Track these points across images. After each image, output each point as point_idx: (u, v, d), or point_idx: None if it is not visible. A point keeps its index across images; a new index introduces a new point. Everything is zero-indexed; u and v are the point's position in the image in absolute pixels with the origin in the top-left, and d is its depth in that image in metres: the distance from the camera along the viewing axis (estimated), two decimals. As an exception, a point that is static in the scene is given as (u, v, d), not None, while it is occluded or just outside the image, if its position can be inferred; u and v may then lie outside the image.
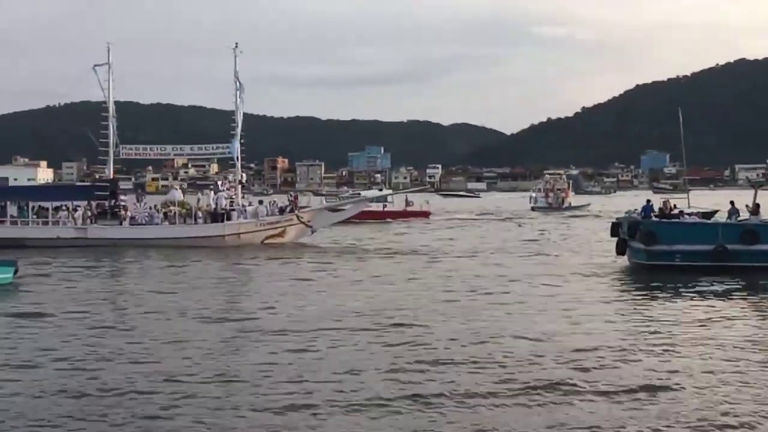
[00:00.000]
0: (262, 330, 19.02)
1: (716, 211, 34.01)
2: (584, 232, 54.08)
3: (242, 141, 49.82)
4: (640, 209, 33.88)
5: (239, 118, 49.78)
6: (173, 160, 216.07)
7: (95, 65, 49.19)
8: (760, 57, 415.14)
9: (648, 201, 34.50)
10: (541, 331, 18.39)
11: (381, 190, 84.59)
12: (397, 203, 73.16)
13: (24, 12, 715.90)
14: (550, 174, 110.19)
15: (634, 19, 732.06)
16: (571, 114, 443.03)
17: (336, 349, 16.78)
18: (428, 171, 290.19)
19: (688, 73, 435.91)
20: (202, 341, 17.71)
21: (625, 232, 31.82)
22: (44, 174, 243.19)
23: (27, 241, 43.72)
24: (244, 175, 53.76)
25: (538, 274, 30.14)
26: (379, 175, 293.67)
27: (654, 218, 32.31)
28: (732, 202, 33.07)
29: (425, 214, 73.39)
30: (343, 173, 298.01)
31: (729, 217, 32.95)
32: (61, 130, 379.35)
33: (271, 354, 16.41)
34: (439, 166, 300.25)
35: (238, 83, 49.56)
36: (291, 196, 53.37)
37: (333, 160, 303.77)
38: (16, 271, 27.94)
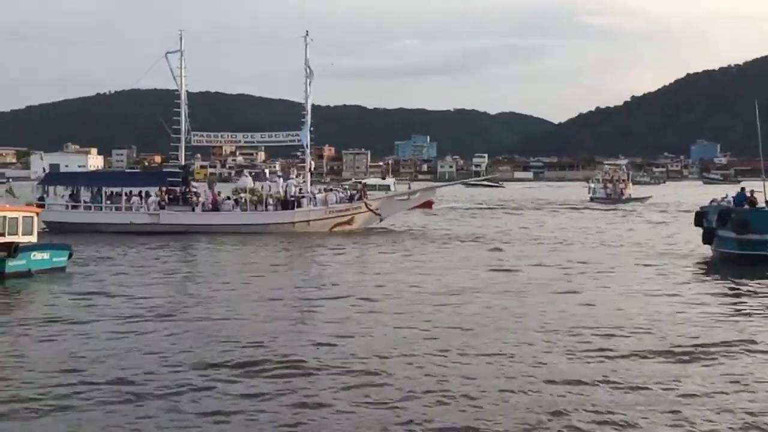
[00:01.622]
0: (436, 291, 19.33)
1: None
2: (659, 226, 51.93)
3: (312, 129, 50.24)
4: (731, 198, 32.50)
5: (309, 106, 50.10)
6: (221, 147, 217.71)
7: (167, 52, 49.56)
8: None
9: (742, 188, 32.80)
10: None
11: (384, 179, 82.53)
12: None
13: (73, 5, 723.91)
14: (609, 164, 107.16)
15: (681, 8, 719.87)
16: (620, 103, 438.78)
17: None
18: (474, 160, 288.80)
19: (741, 62, 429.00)
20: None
21: (714, 221, 30.48)
22: (94, 161, 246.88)
23: (100, 227, 44.74)
24: (312, 163, 54.12)
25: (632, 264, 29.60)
26: (425, 165, 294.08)
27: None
28: None
29: (428, 205, 72.03)
30: (389, 162, 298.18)
31: None
32: (112, 118, 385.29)
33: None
34: (486, 155, 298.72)
35: (308, 71, 49.70)
36: (360, 184, 53.16)
37: (379, 149, 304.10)
38: (70, 255, 28.54)
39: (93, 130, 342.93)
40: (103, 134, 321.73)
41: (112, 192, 47.79)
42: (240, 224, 45.09)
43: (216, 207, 46.79)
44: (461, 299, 21.52)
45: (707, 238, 31.14)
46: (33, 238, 27.64)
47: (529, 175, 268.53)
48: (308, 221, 45.92)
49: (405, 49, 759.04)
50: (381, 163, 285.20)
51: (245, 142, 58.75)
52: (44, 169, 55.07)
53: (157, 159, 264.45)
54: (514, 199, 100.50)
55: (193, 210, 46.41)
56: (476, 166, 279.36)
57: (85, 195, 47.84)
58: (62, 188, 48.77)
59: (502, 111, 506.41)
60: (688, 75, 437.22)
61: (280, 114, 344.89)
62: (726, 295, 22.74)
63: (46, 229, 45.30)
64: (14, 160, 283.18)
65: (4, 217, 26.66)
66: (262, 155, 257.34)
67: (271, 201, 46.48)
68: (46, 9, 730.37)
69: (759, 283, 24.17)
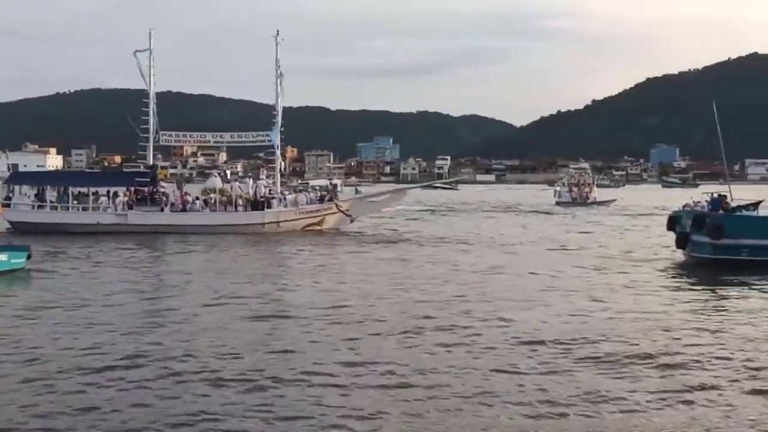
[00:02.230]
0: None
1: (760, 202, 32.74)
2: (629, 230, 51.63)
3: (282, 129, 49.96)
4: (705, 203, 32.33)
5: (280, 107, 49.80)
6: (182, 147, 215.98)
7: (136, 51, 49.00)
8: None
9: (713, 194, 32.31)
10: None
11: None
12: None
13: (37, 4, 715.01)
14: (574, 168, 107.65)
15: (644, 13, 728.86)
16: (581, 107, 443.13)
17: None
18: (437, 162, 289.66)
19: (700, 67, 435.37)
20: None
21: (689, 225, 30.29)
22: (53, 161, 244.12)
23: (67, 227, 44.05)
24: (283, 164, 53.86)
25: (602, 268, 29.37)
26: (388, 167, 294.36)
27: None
28: None
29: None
30: (352, 163, 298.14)
31: None
32: (71, 117, 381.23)
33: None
34: (448, 157, 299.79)
35: (278, 71, 49.37)
36: (331, 185, 52.93)
37: (342, 151, 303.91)
38: (29, 256, 28.14)
39: (53, 129, 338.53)
40: (62, 134, 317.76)
41: (78, 192, 47.05)
42: (209, 225, 44.68)
43: (185, 207, 46.38)
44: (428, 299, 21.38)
45: (681, 243, 31.21)
46: (-11, 240, 27.20)
47: (492, 177, 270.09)
48: (278, 222, 45.64)
49: (369, 50, 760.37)
50: (343, 165, 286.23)
51: (215, 142, 58.02)
52: (9, 168, 54.44)
53: (117, 159, 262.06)
54: (483, 201, 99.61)
55: (162, 210, 45.91)
56: (439, 168, 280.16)
57: (51, 195, 47.12)
58: (28, 188, 47.96)
59: (465, 113, 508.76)
60: (648, 79, 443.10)
61: (242, 114, 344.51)
62: (700, 299, 22.76)
63: (11, 230, 44.97)
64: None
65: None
66: (223, 156, 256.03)
67: (240, 202, 46.17)
68: (12, 6, 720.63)
69: (733, 288, 24.52)
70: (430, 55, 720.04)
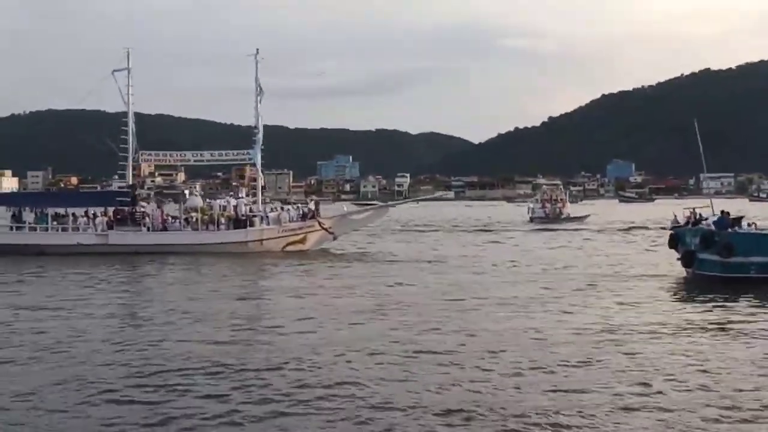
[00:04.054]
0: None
1: (741, 218, 33.44)
2: (616, 245, 51.50)
3: (263, 147, 49.70)
4: (711, 221, 32.12)
5: (260, 125, 49.53)
6: (140, 167, 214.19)
7: (114, 70, 48.70)
8: (725, 67, 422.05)
9: (722, 211, 32.18)
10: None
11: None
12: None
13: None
14: (547, 185, 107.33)
15: (596, 31, 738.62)
16: (538, 123, 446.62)
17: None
18: (397, 180, 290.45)
19: (654, 83, 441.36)
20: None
21: (695, 244, 30.74)
22: (9, 183, 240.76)
23: (46, 248, 43.51)
24: (263, 181, 53.58)
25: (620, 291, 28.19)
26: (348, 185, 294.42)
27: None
28: None
29: None
30: (312, 182, 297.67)
31: None
32: (26, 139, 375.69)
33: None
34: (408, 174, 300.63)
35: (259, 89, 49.15)
36: (313, 203, 52.18)
37: (302, 169, 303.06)
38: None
39: (6, 151, 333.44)
40: (16, 155, 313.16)
41: (56, 213, 46.51)
42: (192, 244, 44.32)
43: (165, 227, 45.90)
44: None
45: (687, 261, 31.41)
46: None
47: (451, 194, 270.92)
48: (261, 240, 45.34)
49: (324, 69, 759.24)
50: (303, 184, 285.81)
51: (195, 160, 57.66)
52: None
53: (74, 180, 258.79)
54: (454, 219, 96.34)
55: (143, 230, 45.44)
56: (399, 185, 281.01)
57: (28, 216, 46.44)
58: (4, 209, 47.27)
59: (423, 131, 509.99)
60: (603, 95, 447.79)
61: (203, 134, 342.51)
62: (715, 316, 22.67)
63: None
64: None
65: None
66: (182, 176, 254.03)
67: (223, 220, 45.80)
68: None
69: (747, 304, 24.47)
70: (384, 75, 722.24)
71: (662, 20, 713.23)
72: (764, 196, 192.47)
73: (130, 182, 49.91)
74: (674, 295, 27.67)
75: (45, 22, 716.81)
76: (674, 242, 33.20)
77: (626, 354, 16.96)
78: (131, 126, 48.93)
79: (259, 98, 49.24)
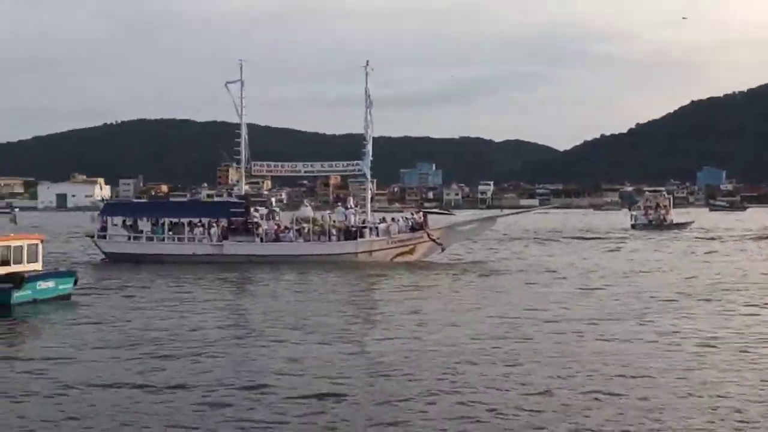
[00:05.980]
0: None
1: None
2: (735, 254, 50.63)
3: (372, 158, 50.46)
4: None
5: (370, 136, 50.27)
6: (227, 174, 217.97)
7: (227, 82, 50.18)
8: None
9: None
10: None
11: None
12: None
13: (73, 32, 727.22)
14: (650, 191, 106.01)
15: (687, 36, 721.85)
16: (624, 130, 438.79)
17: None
18: (480, 187, 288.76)
19: (745, 89, 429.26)
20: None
21: None
22: (102, 191, 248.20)
23: (163, 257, 45.07)
24: (373, 192, 54.39)
25: None
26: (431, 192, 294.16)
27: None
28: None
29: None
30: (395, 190, 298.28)
31: None
32: (117, 147, 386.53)
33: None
34: (491, 182, 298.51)
35: (368, 100, 49.84)
36: (421, 214, 51.77)
37: (385, 177, 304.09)
38: (76, 281, 28.79)
39: (99, 159, 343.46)
40: (108, 163, 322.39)
41: (171, 222, 47.95)
42: (303, 254, 45.16)
43: (278, 237, 46.79)
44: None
45: None
46: (38, 266, 27.94)
47: (535, 202, 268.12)
48: (371, 251, 45.84)
49: (408, 78, 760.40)
50: (386, 191, 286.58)
51: (305, 171, 58.47)
52: (102, 199, 55.48)
53: (164, 188, 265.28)
54: (556, 228, 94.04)
55: (257, 240, 46.42)
56: (482, 193, 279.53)
57: (144, 225, 47.95)
58: (120, 219, 48.74)
59: (506, 138, 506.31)
60: (692, 102, 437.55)
61: (293, 142, 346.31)
62: None
63: (106, 260, 46.22)
64: (22, 190, 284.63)
65: (9, 246, 26.84)
66: (268, 183, 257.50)
67: (334, 231, 46.42)
68: (53, 37, 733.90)
69: None
70: (470, 82, 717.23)
71: (753, 24, 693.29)
72: None
73: (243, 192, 51.56)
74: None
75: (131, 31, 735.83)
76: None
77: None
78: (244, 136, 50.17)
79: (368, 109, 49.76)
